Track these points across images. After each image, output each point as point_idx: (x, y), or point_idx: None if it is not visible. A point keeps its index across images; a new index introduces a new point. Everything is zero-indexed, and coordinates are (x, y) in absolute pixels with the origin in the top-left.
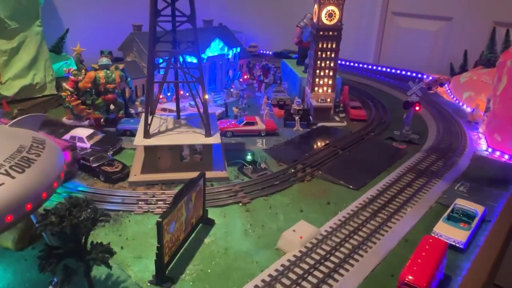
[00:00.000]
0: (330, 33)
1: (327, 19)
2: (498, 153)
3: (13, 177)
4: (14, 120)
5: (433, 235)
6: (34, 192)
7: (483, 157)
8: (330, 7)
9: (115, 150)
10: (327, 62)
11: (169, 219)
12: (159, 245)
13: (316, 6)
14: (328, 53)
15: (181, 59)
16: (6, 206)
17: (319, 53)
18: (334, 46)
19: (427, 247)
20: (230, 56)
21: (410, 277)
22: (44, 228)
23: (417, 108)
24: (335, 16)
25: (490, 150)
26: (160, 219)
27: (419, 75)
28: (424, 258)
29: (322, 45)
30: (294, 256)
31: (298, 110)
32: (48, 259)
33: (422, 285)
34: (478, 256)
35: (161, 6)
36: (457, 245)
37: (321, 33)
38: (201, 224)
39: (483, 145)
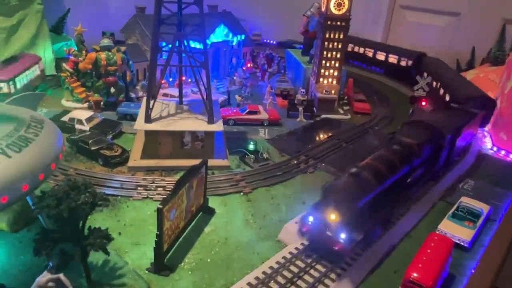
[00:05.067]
0: (338, 23)
1: (335, 9)
2: (503, 152)
3: (9, 156)
4: (12, 98)
5: (437, 232)
6: (31, 172)
7: (488, 155)
8: None
9: (114, 134)
10: (334, 53)
11: (169, 206)
12: (158, 233)
13: None
14: (335, 43)
15: (186, 44)
16: (1, 187)
17: (326, 43)
18: (341, 36)
19: (432, 244)
20: (234, 43)
21: (415, 275)
22: (41, 211)
23: (423, 103)
24: (344, 6)
25: (495, 148)
26: (161, 206)
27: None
28: (430, 256)
29: (330, 35)
30: (296, 248)
31: (302, 100)
32: (44, 243)
33: (428, 283)
34: (483, 259)
35: None
36: (462, 243)
37: (329, 22)
38: (201, 213)
39: (488, 144)
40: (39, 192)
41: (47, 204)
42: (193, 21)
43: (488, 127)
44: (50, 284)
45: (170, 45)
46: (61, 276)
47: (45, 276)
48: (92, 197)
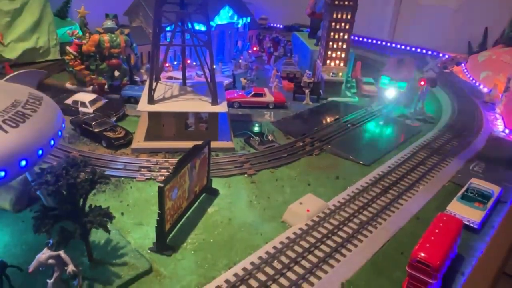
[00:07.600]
0: (346, 2)
1: None
2: None
3: (6, 132)
4: (10, 75)
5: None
6: (28, 148)
7: (499, 138)
8: None
9: (118, 116)
10: (341, 34)
11: (171, 185)
12: (160, 212)
13: None
14: (343, 24)
15: (189, 25)
16: None
17: (333, 24)
18: (349, 17)
19: (441, 224)
20: (239, 26)
21: (422, 254)
22: (39, 187)
23: (422, 83)
24: None
25: (507, 131)
26: (162, 185)
27: (435, 53)
28: (438, 236)
29: (337, 16)
30: (300, 229)
31: (308, 83)
32: (43, 220)
33: (435, 263)
34: (492, 241)
35: None
36: (471, 225)
37: (336, 2)
38: (204, 194)
39: (500, 126)
40: (38, 169)
41: (46, 180)
42: (196, 1)
43: (500, 109)
44: (50, 261)
45: (173, 25)
46: (61, 253)
47: (45, 253)
48: (92, 174)
